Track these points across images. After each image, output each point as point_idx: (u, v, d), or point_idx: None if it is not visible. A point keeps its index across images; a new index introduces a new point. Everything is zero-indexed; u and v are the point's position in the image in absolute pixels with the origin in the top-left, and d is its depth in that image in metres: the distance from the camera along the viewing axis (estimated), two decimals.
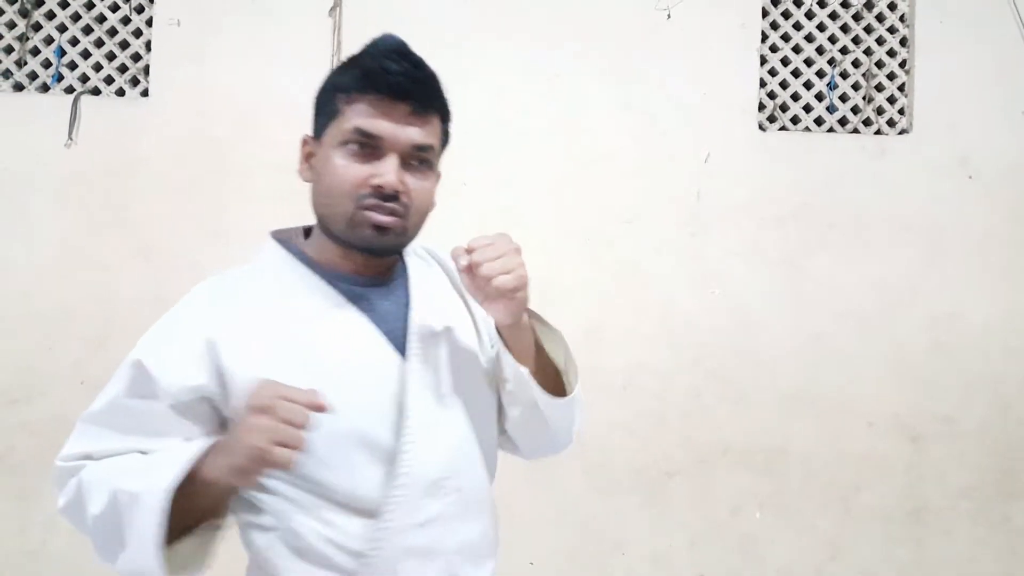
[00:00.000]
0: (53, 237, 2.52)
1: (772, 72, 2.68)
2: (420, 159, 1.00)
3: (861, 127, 2.67)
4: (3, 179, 2.51)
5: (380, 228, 0.97)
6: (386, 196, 0.96)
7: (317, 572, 0.95)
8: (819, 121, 2.68)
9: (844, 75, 2.69)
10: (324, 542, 0.94)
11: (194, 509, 0.90)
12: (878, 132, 2.67)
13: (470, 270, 0.93)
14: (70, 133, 2.51)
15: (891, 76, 2.69)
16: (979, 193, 2.65)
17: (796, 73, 2.68)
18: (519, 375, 1.00)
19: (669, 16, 2.54)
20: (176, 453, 0.90)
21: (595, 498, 2.57)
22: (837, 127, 2.67)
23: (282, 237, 1.10)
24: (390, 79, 0.96)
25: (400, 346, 1.00)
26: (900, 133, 2.68)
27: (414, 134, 0.97)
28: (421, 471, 0.96)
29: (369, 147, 0.97)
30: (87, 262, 2.52)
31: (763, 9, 2.66)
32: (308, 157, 1.05)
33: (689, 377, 2.55)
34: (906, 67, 2.69)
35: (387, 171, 0.95)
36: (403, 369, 0.98)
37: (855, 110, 2.68)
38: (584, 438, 2.52)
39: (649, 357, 2.54)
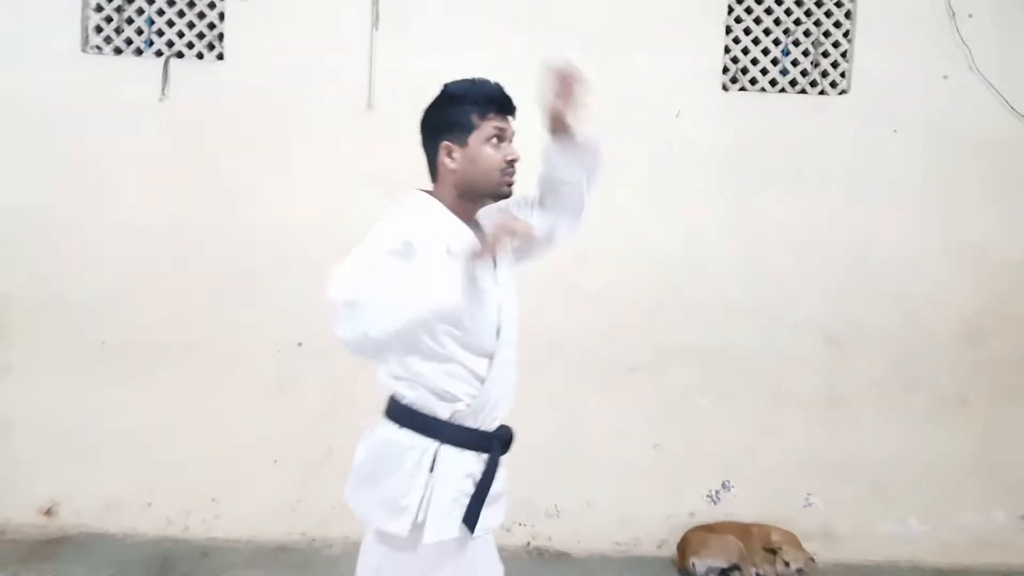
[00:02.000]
0: (152, 173, 3.17)
1: (736, 40, 3.21)
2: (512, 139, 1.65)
3: (808, 88, 3.21)
4: (109, 127, 3.15)
5: (510, 183, 1.63)
6: (513, 163, 1.61)
7: (458, 401, 1.54)
8: (773, 83, 3.21)
9: (796, 43, 3.21)
10: (459, 381, 1.54)
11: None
12: (822, 93, 3.21)
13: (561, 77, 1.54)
14: (163, 89, 3.13)
15: (836, 44, 3.20)
16: (901, 145, 3.21)
17: (756, 41, 3.20)
18: (566, 149, 1.63)
19: None
20: (455, 236, 1.53)
21: (574, 388, 3.26)
22: (788, 88, 3.21)
23: (423, 192, 1.69)
24: (505, 105, 1.62)
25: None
26: (840, 94, 3.22)
27: (512, 128, 1.65)
28: (508, 335, 1.61)
29: (500, 139, 1.60)
30: (174, 199, 3.17)
31: None
32: (449, 154, 1.62)
33: (652, 291, 3.20)
34: (848, 37, 3.19)
35: (513, 151, 1.62)
36: (495, 272, 1.61)
37: (804, 73, 3.21)
38: (564, 341, 3.20)
39: (621, 276, 3.17)
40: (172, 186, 3.18)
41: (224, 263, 3.21)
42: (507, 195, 1.63)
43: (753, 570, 3.06)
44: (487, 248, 1.45)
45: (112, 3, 3.14)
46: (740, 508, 3.29)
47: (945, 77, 3.19)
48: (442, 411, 1.55)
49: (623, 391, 3.23)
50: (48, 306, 3.19)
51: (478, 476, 1.56)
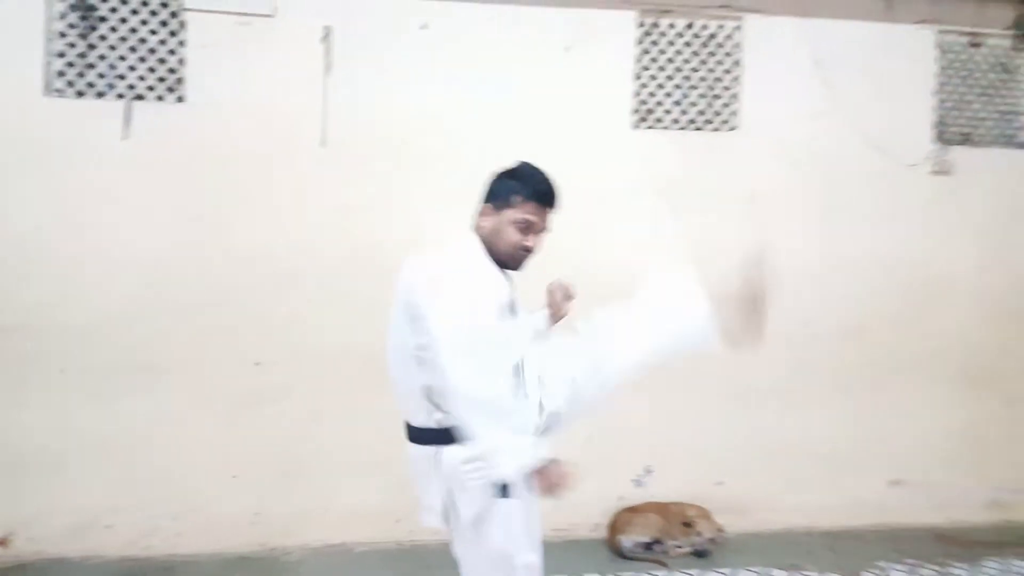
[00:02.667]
0: (115, 210, 3.34)
1: (643, 85, 3.71)
2: (541, 231, 1.93)
3: (704, 126, 3.75)
4: (75, 164, 3.31)
5: (519, 263, 1.92)
6: (528, 250, 1.90)
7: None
8: (675, 121, 3.73)
9: (694, 87, 3.74)
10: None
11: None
12: (716, 129, 3.76)
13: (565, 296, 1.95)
14: (125, 130, 3.33)
15: (726, 88, 3.76)
16: (783, 173, 3.78)
17: (660, 86, 3.72)
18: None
19: (568, 50, 3.54)
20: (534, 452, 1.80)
21: None
22: (688, 126, 3.74)
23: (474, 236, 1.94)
24: (546, 198, 1.90)
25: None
26: (731, 130, 3.77)
27: (545, 222, 1.93)
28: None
29: (528, 227, 1.89)
30: (142, 225, 3.35)
31: (638, 39, 3.68)
32: (485, 214, 1.92)
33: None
34: (737, 81, 3.76)
35: (532, 241, 1.90)
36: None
37: (701, 113, 3.75)
38: None
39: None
40: (137, 220, 3.35)
41: (186, 290, 3.39)
42: (516, 267, 1.94)
43: (672, 542, 3.49)
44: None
45: (75, 49, 3.32)
46: (661, 489, 3.71)
47: (816, 115, 3.79)
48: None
49: None
50: (6, 334, 3.28)
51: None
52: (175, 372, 3.40)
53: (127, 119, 3.32)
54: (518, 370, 1.85)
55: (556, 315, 2.03)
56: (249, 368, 3.45)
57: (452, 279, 1.79)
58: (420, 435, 1.92)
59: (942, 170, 3.89)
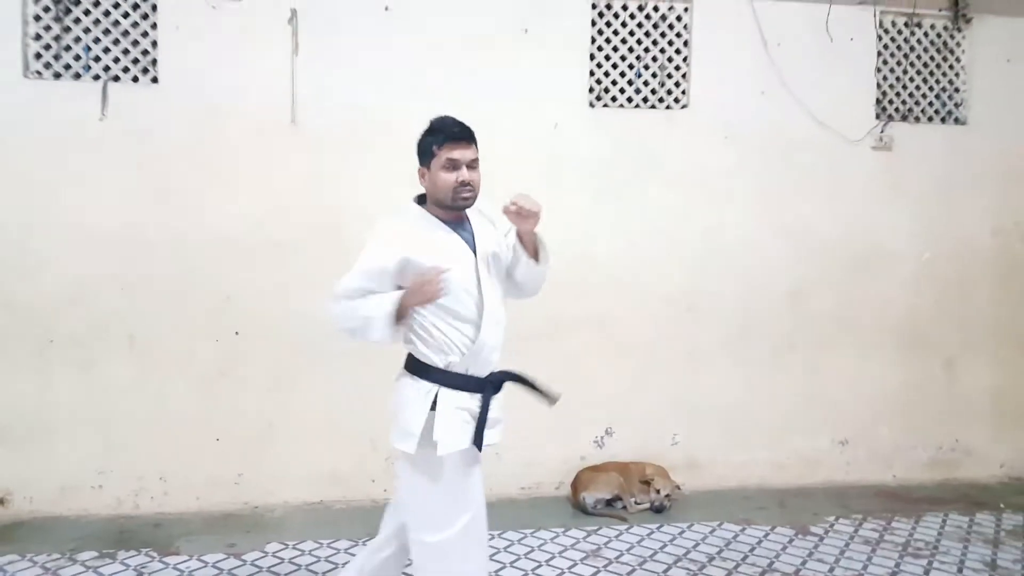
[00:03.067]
0: (93, 187, 3.50)
1: (599, 65, 3.88)
2: (472, 164, 2.05)
3: (657, 104, 3.94)
4: (53, 143, 3.45)
5: (464, 198, 2.04)
6: (464, 185, 2.02)
7: (451, 355, 2.03)
8: (630, 99, 3.91)
9: (646, 67, 3.92)
10: (456, 339, 2.02)
11: (396, 315, 1.97)
12: (668, 107, 3.94)
13: (516, 210, 2.01)
14: (102, 110, 3.48)
15: (677, 68, 3.94)
16: (731, 149, 3.98)
17: (615, 65, 3.89)
18: (527, 260, 2.13)
19: (526, 31, 3.71)
20: (392, 295, 1.97)
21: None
22: (641, 104, 3.92)
23: (417, 202, 2.13)
24: (455, 133, 2.04)
25: (473, 250, 2.07)
26: (683, 108, 3.96)
27: (469, 155, 2.04)
28: (490, 308, 2.04)
29: (454, 164, 2.02)
30: (118, 206, 3.51)
31: (592, 20, 3.85)
32: (422, 176, 2.10)
33: (551, 272, 3.80)
34: (687, 61, 3.94)
35: (463, 174, 2.02)
36: (475, 261, 2.06)
37: (653, 91, 3.93)
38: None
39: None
40: (116, 196, 3.51)
41: (164, 263, 3.56)
42: (463, 207, 2.07)
43: (632, 499, 3.72)
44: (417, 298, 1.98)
45: (50, 32, 3.46)
46: (621, 449, 3.95)
47: (763, 93, 3.98)
48: (440, 363, 2.06)
49: (524, 356, 3.74)
50: None
51: (475, 410, 2.06)
52: (155, 342, 3.58)
53: (104, 99, 3.46)
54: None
55: (522, 231, 2.12)
56: (226, 337, 3.63)
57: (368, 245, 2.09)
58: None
59: (883, 146, 4.09)
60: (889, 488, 4.11)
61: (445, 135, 2.04)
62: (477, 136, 2.08)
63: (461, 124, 2.07)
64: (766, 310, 4.08)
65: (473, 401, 2.06)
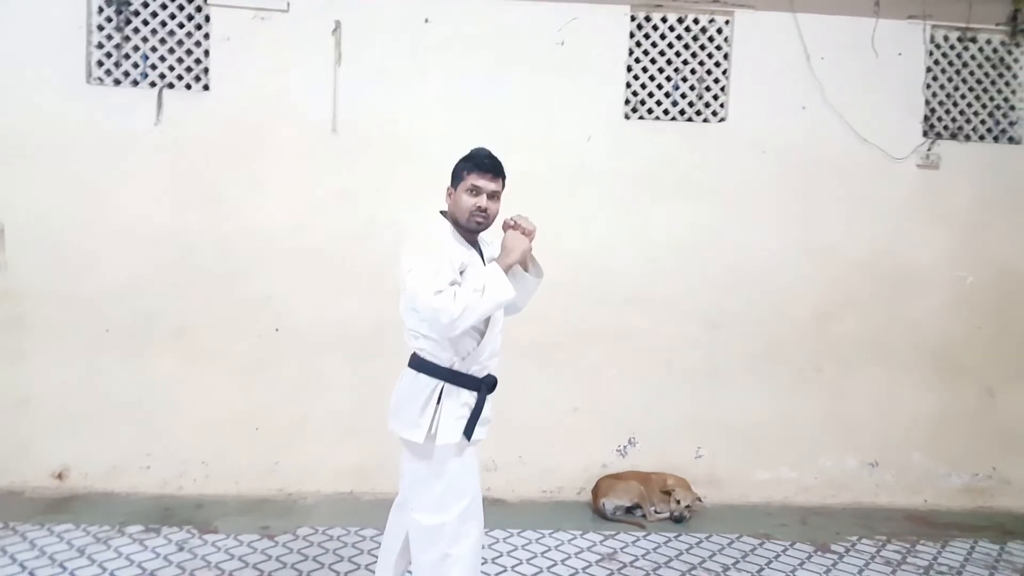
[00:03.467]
0: (147, 190, 3.71)
1: (635, 77, 3.87)
2: (492, 195, 2.26)
3: (694, 117, 3.91)
4: (111, 148, 3.68)
5: (478, 222, 2.24)
6: (482, 212, 2.22)
7: (457, 357, 2.21)
8: (666, 112, 3.90)
9: (684, 79, 3.89)
10: (463, 343, 2.21)
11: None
12: (705, 120, 3.90)
13: (514, 226, 2.23)
14: (157, 116, 3.68)
15: (716, 81, 3.90)
16: (768, 164, 3.91)
17: (652, 77, 3.88)
18: (522, 274, 2.35)
19: (563, 44, 3.73)
20: (491, 268, 2.19)
21: (508, 364, 3.81)
22: (678, 117, 3.90)
23: (447, 218, 2.31)
24: (484, 166, 2.23)
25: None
26: (720, 121, 3.91)
27: (492, 186, 2.25)
28: (495, 317, 2.25)
29: (477, 191, 2.23)
30: (169, 208, 3.72)
31: (631, 32, 3.84)
32: (449, 195, 2.30)
33: (569, 286, 3.86)
34: (726, 75, 3.89)
35: (482, 201, 2.23)
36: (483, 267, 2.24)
37: (691, 104, 3.90)
38: (505, 324, 3.83)
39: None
40: (167, 198, 3.72)
41: (211, 262, 3.76)
42: (474, 230, 2.28)
43: (652, 508, 3.76)
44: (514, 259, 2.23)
45: (112, 40, 3.68)
46: (643, 459, 3.99)
47: (803, 108, 3.90)
48: (446, 363, 2.24)
49: (547, 366, 3.88)
50: (60, 299, 3.72)
51: (471, 405, 2.26)
52: (200, 336, 3.80)
53: (159, 106, 3.67)
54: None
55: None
56: (267, 334, 3.82)
57: (412, 251, 2.22)
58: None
59: (929, 164, 3.95)
60: (919, 513, 4.03)
61: (475, 163, 2.24)
62: (510, 147, 2.28)
63: (493, 158, 2.27)
64: (793, 330, 4.04)
65: (471, 398, 2.26)
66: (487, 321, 2.23)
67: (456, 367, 2.23)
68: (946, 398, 4.12)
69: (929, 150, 3.95)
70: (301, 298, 3.81)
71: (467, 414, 2.23)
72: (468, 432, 2.22)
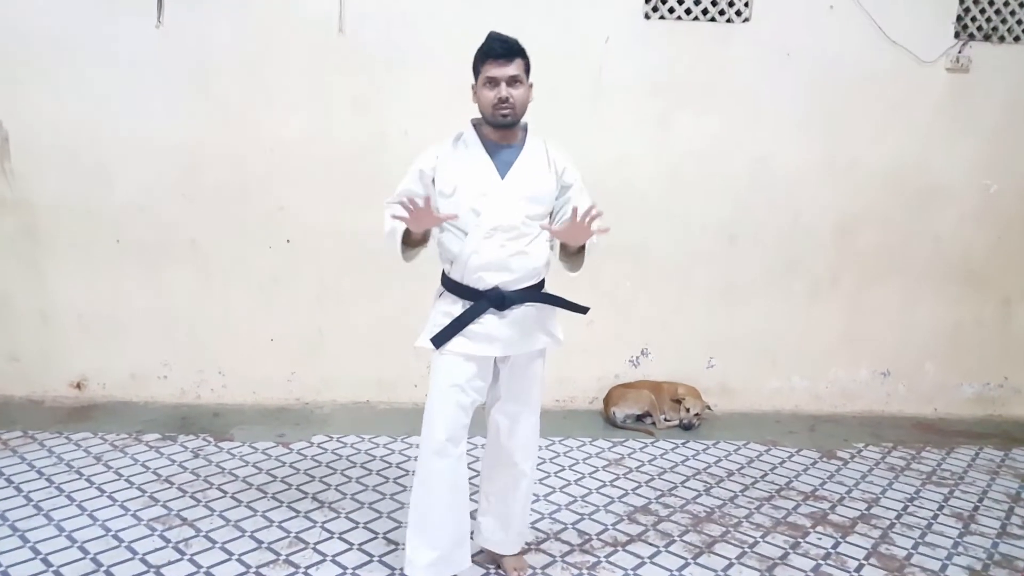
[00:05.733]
0: (154, 100, 3.60)
1: None
2: (512, 81, 2.07)
3: (717, 16, 3.73)
4: (113, 53, 3.56)
5: (504, 114, 2.07)
6: (503, 102, 2.06)
7: (445, 263, 2.17)
8: (688, 11, 3.72)
9: None
10: (453, 247, 2.13)
11: (412, 241, 2.13)
12: (729, 21, 3.74)
13: (585, 221, 1.98)
14: (158, 17, 3.53)
15: None
16: (792, 69, 3.77)
17: None
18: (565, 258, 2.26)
19: None
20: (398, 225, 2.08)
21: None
22: (701, 16, 3.73)
23: (474, 122, 2.19)
24: (493, 51, 2.05)
25: (504, 173, 2.11)
26: (744, 21, 3.74)
27: (509, 71, 2.06)
28: (488, 224, 2.07)
29: (493, 82, 2.06)
30: (177, 119, 3.61)
31: None
32: (473, 95, 2.15)
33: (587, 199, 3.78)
34: None
35: (501, 91, 2.06)
36: (500, 185, 2.10)
37: (714, 3, 3.72)
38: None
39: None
40: (175, 109, 3.61)
41: (223, 173, 3.69)
42: (503, 124, 2.09)
43: (662, 416, 3.82)
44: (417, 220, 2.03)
45: None
46: (655, 370, 4.02)
47: (831, 8, 3.73)
48: (444, 267, 2.21)
49: (561, 280, 3.84)
50: (70, 211, 3.68)
51: (453, 315, 2.15)
52: (214, 248, 3.77)
53: (160, 6, 3.51)
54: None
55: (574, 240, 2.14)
56: (280, 246, 3.79)
57: None
58: None
59: (959, 67, 3.81)
60: (927, 421, 4.09)
61: (485, 51, 2.07)
62: (527, 50, 2.09)
63: (503, 40, 2.07)
64: (812, 244, 3.98)
65: (454, 307, 2.16)
66: (478, 219, 2.09)
67: (450, 274, 2.18)
68: (963, 309, 4.11)
69: (960, 52, 3.80)
70: (314, 210, 3.75)
71: (444, 323, 2.14)
72: (437, 339, 2.13)
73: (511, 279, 2.15)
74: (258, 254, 3.79)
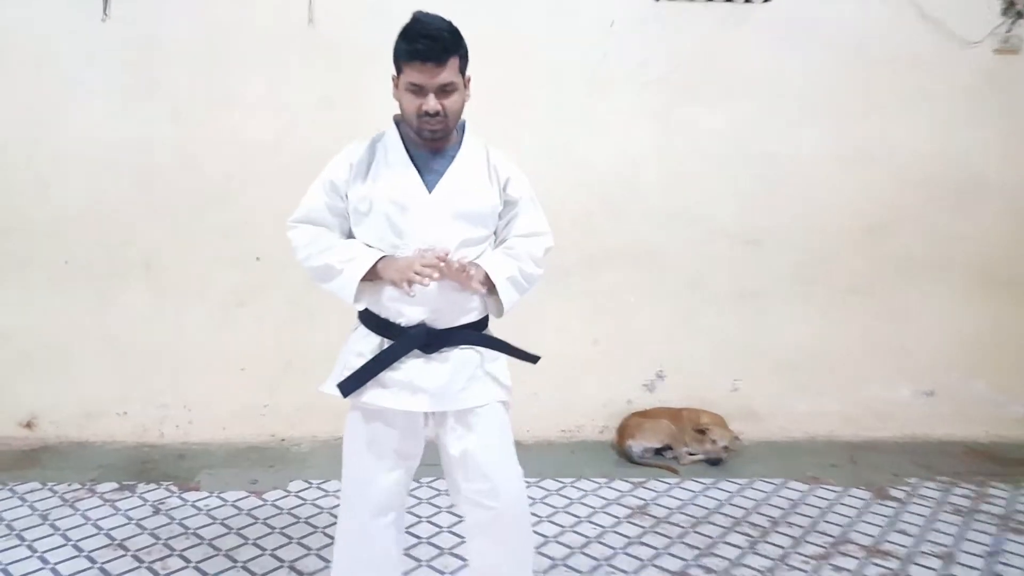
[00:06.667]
0: (100, 101, 3.21)
1: None
2: (445, 89, 1.64)
3: None
4: (54, 50, 3.17)
5: (432, 130, 1.67)
6: (431, 115, 1.64)
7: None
8: None
9: None
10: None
11: (368, 278, 1.70)
12: (747, 1, 3.34)
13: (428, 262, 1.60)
14: (104, 10, 3.15)
15: None
16: (816, 53, 3.38)
17: None
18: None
19: None
20: (364, 256, 1.67)
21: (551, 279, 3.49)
22: None
23: (397, 119, 1.79)
24: (420, 54, 1.60)
25: (432, 185, 1.70)
26: (765, 1, 3.34)
27: (440, 78, 1.62)
28: (412, 235, 1.68)
29: (420, 91, 1.63)
30: (126, 115, 3.23)
31: None
32: (394, 88, 1.73)
33: (583, 199, 3.40)
34: None
35: (428, 102, 1.63)
36: (426, 201, 1.69)
37: None
38: None
39: (553, 186, 3.28)
40: (124, 111, 3.24)
41: (182, 181, 3.30)
42: (428, 138, 1.69)
43: (684, 449, 3.38)
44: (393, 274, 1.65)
45: None
46: (673, 394, 3.59)
47: None
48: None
49: (562, 292, 3.44)
50: (8, 229, 3.29)
51: (366, 354, 1.73)
52: (173, 267, 3.38)
53: None
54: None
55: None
56: (247, 264, 3.39)
57: None
58: None
59: (1008, 48, 3.41)
60: (981, 446, 3.63)
61: (411, 49, 1.61)
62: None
63: (432, 36, 1.60)
64: (840, 245, 3.57)
65: (369, 345, 1.75)
66: (400, 240, 1.70)
67: (367, 303, 1.76)
68: (1005, 318, 3.68)
69: (1009, 31, 3.39)
70: (279, 221, 3.32)
71: (356, 365, 1.72)
72: (346, 386, 1.71)
73: (441, 315, 1.73)
74: (223, 273, 3.39)
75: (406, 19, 1.64)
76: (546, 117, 3.21)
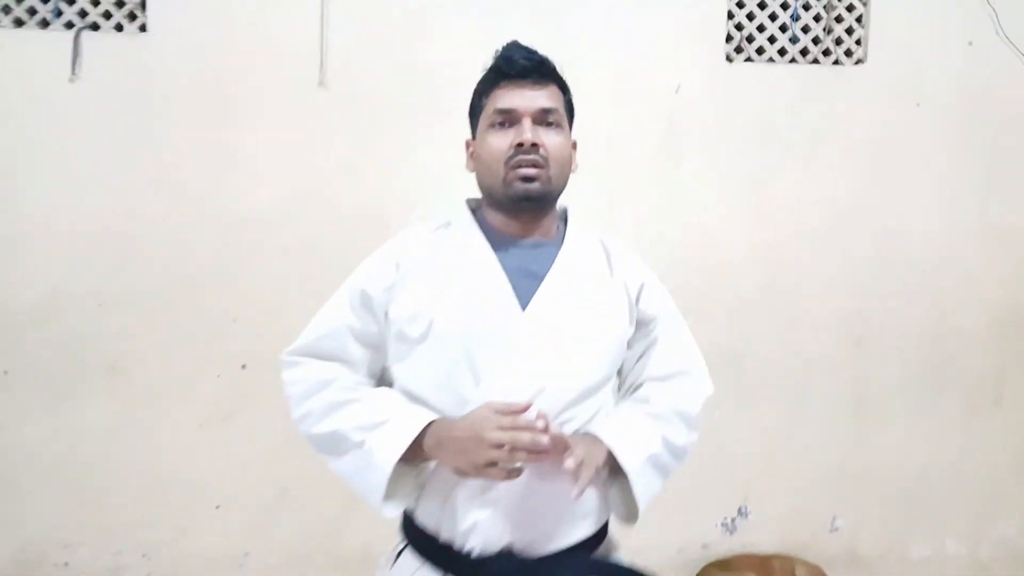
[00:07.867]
0: (65, 172, 2.72)
1: (740, 4, 2.91)
2: (549, 121, 1.21)
3: (821, 57, 2.92)
4: (14, 111, 2.69)
5: (527, 178, 1.17)
6: (527, 151, 1.16)
7: (426, 487, 1.20)
8: (782, 52, 2.91)
9: (806, 7, 2.93)
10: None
11: (409, 459, 1.12)
12: (836, 63, 2.93)
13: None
14: (73, 68, 2.67)
15: (850, 8, 2.93)
16: (925, 119, 2.97)
17: (762, 5, 2.90)
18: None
19: None
20: (400, 427, 1.10)
21: None
22: (799, 58, 2.92)
23: (471, 204, 1.32)
24: (510, 65, 1.22)
25: (527, 297, 1.16)
26: (856, 63, 2.94)
27: (539, 100, 1.20)
28: (496, 399, 1.10)
29: (508, 120, 1.20)
30: (98, 188, 2.74)
31: None
32: (469, 155, 1.29)
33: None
34: (865, 2, 2.92)
35: (523, 130, 1.18)
36: (519, 321, 1.14)
37: (816, 41, 2.91)
38: None
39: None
40: (92, 183, 2.73)
41: (154, 270, 2.77)
42: (526, 198, 1.18)
43: None
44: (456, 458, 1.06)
45: None
46: (759, 536, 2.96)
47: (970, 43, 2.94)
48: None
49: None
50: None
51: None
52: (143, 374, 2.79)
53: (77, 54, 2.66)
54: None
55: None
56: (234, 371, 2.81)
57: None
58: None
59: None
60: None
61: (496, 70, 1.24)
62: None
63: (529, 52, 1.25)
64: (966, 344, 3.02)
65: None
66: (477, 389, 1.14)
67: (413, 511, 1.19)
68: None
69: None
70: (280, 316, 2.78)
71: None
72: None
73: (537, 531, 1.14)
74: (200, 383, 2.80)
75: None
76: (609, 191, 2.76)
